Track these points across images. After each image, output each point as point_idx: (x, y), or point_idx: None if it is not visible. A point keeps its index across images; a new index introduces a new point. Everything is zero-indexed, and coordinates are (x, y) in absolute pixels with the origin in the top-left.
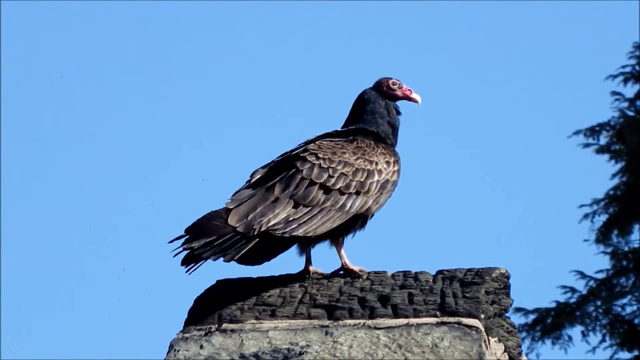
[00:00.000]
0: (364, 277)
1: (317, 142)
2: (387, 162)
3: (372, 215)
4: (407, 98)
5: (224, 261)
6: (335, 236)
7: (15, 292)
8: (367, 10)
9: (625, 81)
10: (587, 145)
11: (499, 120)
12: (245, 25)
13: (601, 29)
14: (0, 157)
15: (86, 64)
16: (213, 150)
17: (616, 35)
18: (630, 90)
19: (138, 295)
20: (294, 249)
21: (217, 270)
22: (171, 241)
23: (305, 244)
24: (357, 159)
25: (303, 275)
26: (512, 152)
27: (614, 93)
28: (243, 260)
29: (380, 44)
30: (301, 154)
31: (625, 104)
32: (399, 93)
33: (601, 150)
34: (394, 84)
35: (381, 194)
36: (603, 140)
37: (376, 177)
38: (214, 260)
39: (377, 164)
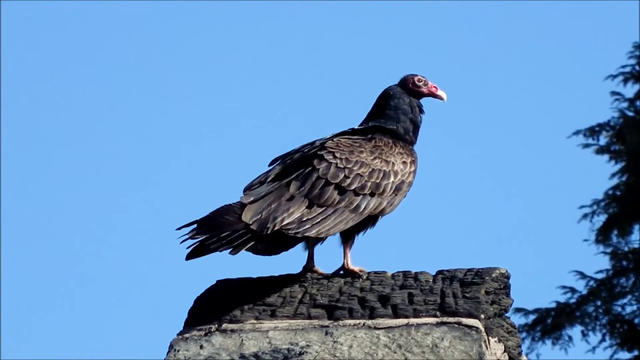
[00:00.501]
0: (364, 277)
1: (335, 140)
2: (404, 163)
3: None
4: (433, 95)
5: (230, 254)
6: (348, 236)
7: (15, 292)
8: (368, 9)
9: (625, 81)
10: (586, 145)
11: (499, 120)
12: (245, 25)
13: (601, 29)
14: (0, 157)
15: (86, 64)
16: (213, 151)
17: (616, 35)
18: (630, 90)
19: (138, 295)
20: (299, 246)
21: (217, 270)
22: (179, 228)
23: (314, 242)
24: (375, 159)
25: (304, 272)
26: (512, 152)
27: (613, 93)
28: (258, 251)
29: (379, 43)
30: (319, 152)
31: (625, 104)
32: (424, 90)
33: (601, 150)
34: (419, 80)
35: (396, 195)
36: (603, 140)
37: (392, 179)
38: (221, 251)
39: (393, 164)
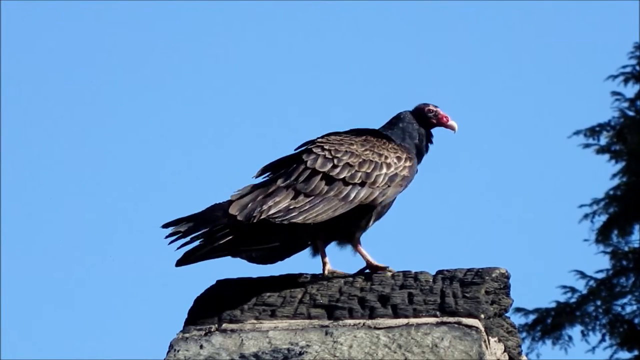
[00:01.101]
0: (393, 271)
1: (325, 137)
2: (398, 158)
3: (388, 208)
4: (444, 125)
5: (216, 244)
6: (349, 235)
7: (15, 292)
8: (369, 10)
9: (626, 81)
10: (587, 145)
11: (499, 120)
12: (246, 25)
13: (601, 29)
14: (0, 157)
15: (86, 64)
16: (213, 151)
17: (616, 35)
18: (630, 90)
19: (138, 295)
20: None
21: (217, 270)
22: (165, 225)
23: (316, 241)
24: (365, 151)
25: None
26: (512, 152)
27: (614, 93)
28: (253, 260)
29: (374, 43)
30: (308, 147)
31: (626, 104)
32: (434, 120)
33: (601, 150)
34: (430, 111)
35: (389, 186)
36: (603, 140)
37: (384, 170)
38: (205, 244)
39: (386, 157)
